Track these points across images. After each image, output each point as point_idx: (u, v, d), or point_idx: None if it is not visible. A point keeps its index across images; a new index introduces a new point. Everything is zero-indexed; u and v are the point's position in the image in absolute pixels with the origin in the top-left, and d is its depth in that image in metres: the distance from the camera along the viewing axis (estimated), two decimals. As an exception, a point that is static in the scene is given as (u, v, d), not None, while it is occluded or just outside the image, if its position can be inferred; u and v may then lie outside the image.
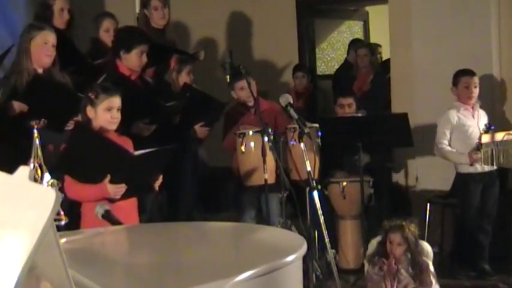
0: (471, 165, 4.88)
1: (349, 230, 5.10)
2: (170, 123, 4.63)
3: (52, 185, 2.55)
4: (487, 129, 4.81)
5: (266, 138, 4.44)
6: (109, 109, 3.38)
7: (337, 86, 6.77)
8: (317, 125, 4.73)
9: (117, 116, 3.41)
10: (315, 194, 3.89)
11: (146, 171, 3.39)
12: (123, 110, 3.45)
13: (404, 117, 4.99)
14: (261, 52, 6.84)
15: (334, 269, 3.91)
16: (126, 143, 3.48)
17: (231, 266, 1.96)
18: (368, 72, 6.51)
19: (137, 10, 5.93)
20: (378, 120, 5.22)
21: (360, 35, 8.07)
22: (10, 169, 1.30)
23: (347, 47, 7.26)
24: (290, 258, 1.88)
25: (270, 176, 4.56)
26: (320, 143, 4.70)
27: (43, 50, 3.99)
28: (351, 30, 8.08)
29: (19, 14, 5.34)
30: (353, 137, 4.89)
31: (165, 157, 3.45)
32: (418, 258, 3.88)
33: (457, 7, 5.65)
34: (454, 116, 5.01)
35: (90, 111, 3.40)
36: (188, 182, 4.93)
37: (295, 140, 4.51)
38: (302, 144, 4.00)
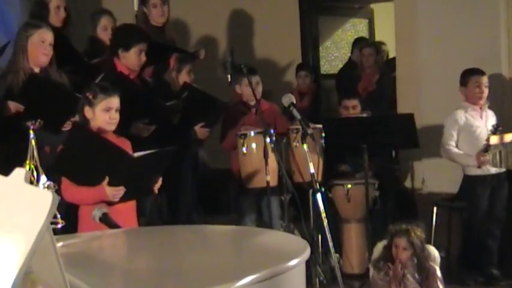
0: (479, 167, 4.87)
1: (353, 234, 5.10)
2: (170, 123, 4.63)
3: (48, 187, 2.55)
4: (495, 130, 4.81)
5: (268, 139, 4.44)
6: (107, 110, 3.39)
7: (341, 86, 6.77)
8: (321, 126, 4.73)
9: (116, 116, 3.42)
10: (319, 196, 3.89)
11: (146, 173, 3.39)
12: (122, 110, 3.46)
13: (410, 117, 4.98)
14: (263, 51, 6.84)
15: (338, 274, 3.91)
16: (125, 145, 3.48)
17: (232, 270, 1.96)
18: (373, 72, 6.50)
19: (136, 7, 5.93)
20: (383, 121, 5.21)
21: (364, 33, 8.07)
22: (5, 171, 1.30)
23: (351, 46, 7.26)
24: (293, 262, 1.88)
25: (272, 178, 4.56)
26: (324, 144, 4.70)
27: (40, 49, 4.00)
28: (356, 28, 8.08)
29: (14, 12, 5.35)
30: (358, 138, 4.89)
31: (166, 159, 3.45)
32: (425, 263, 3.88)
33: (465, 4, 5.65)
34: (461, 116, 5.00)
35: (88, 111, 3.40)
36: (188, 184, 4.93)
37: (298, 141, 4.51)
38: (305, 146, 4.00)
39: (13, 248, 1.18)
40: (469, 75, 5.00)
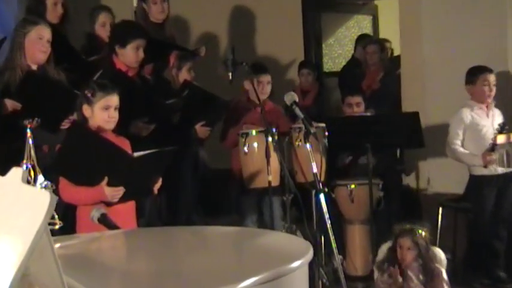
0: (485, 167, 4.87)
1: (357, 235, 5.10)
2: (169, 122, 4.63)
3: (46, 187, 2.55)
4: (502, 129, 4.80)
5: (270, 139, 4.44)
6: (106, 108, 3.39)
7: (344, 84, 6.77)
8: (324, 125, 4.73)
9: (115, 115, 3.42)
10: (322, 197, 3.89)
11: (146, 173, 3.39)
12: (120, 108, 3.45)
13: (415, 116, 4.98)
14: (264, 48, 6.84)
15: (342, 276, 3.90)
16: (124, 144, 3.48)
17: (233, 272, 1.96)
18: (377, 69, 6.50)
19: (135, 4, 5.93)
20: (388, 120, 5.21)
21: (368, 30, 8.07)
22: (2, 170, 1.30)
23: (354, 43, 7.25)
24: (295, 264, 1.88)
25: (274, 178, 4.56)
26: (327, 144, 4.69)
27: (38, 46, 4.00)
28: (360, 25, 8.08)
29: (10, 8, 5.34)
30: (361, 137, 4.89)
31: (166, 159, 3.45)
32: (430, 264, 3.87)
33: (471, 0, 5.65)
34: (467, 115, 5.00)
35: (86, 109, 3.40)
36: (188, 185, 4.93)
37: (300, 141, 4.51)
38: (308, 145, 4.00)
39: (10, 249, 1.18)
40: (477, 73, 4.98)
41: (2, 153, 3.71)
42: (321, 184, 3.95)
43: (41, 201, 1.21)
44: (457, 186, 5.27)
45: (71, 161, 3.35)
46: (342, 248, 4.90)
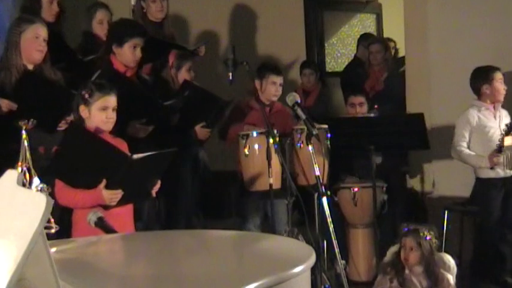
0: (491, 168, 4.87)
1: (360, 240, 5.10)
2: (168, 123, 4.63)
3: (42, 190, 2.55)
4: (509, 130, 4.80)
5: (271, 140, 4.44)
6: (104, 109, 3.39)
7: (347, 84, 6.77)
8: (326, 126, 4.73)
9: (113, 116, 3.42)
10: (324, 200, 3.89)
11: (145, 176, 3.39)
12: (118, 109, 3.46)
13: (420, 117, 4.98)
14: (265, 47, 6.85)
15: (345, 282, 3.90)
16: (121, 146, 3.48)
17: (234, 277, 1.96)
18: (381, 70, 6.50)
19: (133, 2, 5.94)
20: (392, 121, 5.21)
21: (372, 29, 8.07)
22: (-3, 173, 1.30)
23: (356, 42, 7.25)
24: (297, 269, 1.88)
25: (275, 181, 4.55)
26: (329, 146, 4.69)
27: (34, 45, 4.00)
28: (363, 23, 8.08)
29: (5, 6, 5.35)
30: (365, 139, 4.89)
31: (165, 161, 3.45)
32: (434, 269, 3.87)
33: (477, -1, 5.66)
34: (474, 116, 4.99)
35: (83, 110, 3.40)
36: (188, 187, 4.93)
37: (302, 142, 4.51)
38: (310, 147, 4.00)
39: (5, 254, 1.18)
40: (490, 72, 4.98)
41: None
42: (323, 187, 3.95)
43: (36, 205, 1.21)
44: (463, 189, 5.27)
45: (68, 163, 3.35)
46: (345, 253, 4.90)
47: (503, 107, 5.11)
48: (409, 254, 3.86)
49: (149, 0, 5.08)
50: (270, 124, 4.34)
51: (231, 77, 4.35)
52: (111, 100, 3.42)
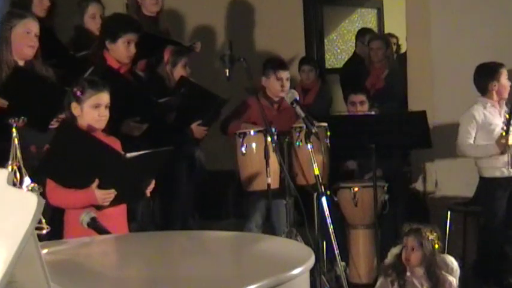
0: (502, 153, 4.81)
1: (361, 241, 5.10)
2: (164, 121, 4.63)
3: (33, 189, 2.55)
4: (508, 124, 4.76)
5: (269, 139, 4.44)
6: (96, 106, 3.38)
7: (346, 82, 6.77)
8: (326, 124, 4.73)
9: (106, 113, 3.42)
10: (324, 200, 3.89)
11: (138, 175, 3.38)
12: (112, 107, 3.45)
13: (422, 115, 4.98)
14: (263, 43, 6.84)
15: (345, 284, 3.91)
16: (114, 144, 3.47)
17: (231, 279, 1.96)
18: (382, 67, 6.50)
19: (127, -5, 5.93)
20: (393, 119, 5.21)
21: (373, 24, 8.07)
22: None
23: (355, 38, 7.24)
24: (296, 271, 1.88)
25: (273, 181, 4.55)
26: (329, 144, 4.69)
27: (25, 40, 3.99)
28: (364, 19, 8.08)
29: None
30: (366, 137, 4.89)
31: (160, 160, 3.45)
32: (435, 271, 3.87)
33: (482, -7, 5.66)
34: (480, 112, 4.97)
35: (75, 108, 3.40)
36: (183, 187, 4.93)
37: (301, 141, 4.51)
38: (309, 145, 4.00)
39: (-5, 255, 1.17)
40: (498, 68, 4.97)
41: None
42: (322, 187, 3.95)
43: (27, 205, 1.21)
44: (466, 189, 5.28)
45: (59, 162, 3.34)
46: (345, 254, 4.90)
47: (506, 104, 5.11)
48: (410, 254, 3.86)
49: (144, -7, 5.08)
50: (267, 122, 4.34)
51: (227, 74, 4.35)
52: (104, 97, 3.41)
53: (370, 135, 4.89)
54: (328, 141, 4.69)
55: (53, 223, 2.73)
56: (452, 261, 3.98)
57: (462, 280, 4.21)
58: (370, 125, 5.02)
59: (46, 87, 3.97)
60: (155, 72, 4.99)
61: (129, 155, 3.29)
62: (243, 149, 4.60)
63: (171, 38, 5.27)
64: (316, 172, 3.95)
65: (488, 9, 5.61)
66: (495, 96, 5.00)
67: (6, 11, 4.43)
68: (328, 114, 6.27)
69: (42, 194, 2.91)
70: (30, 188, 2.57)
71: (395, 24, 7.75)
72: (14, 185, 2.53)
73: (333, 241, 3.87)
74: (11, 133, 2.70)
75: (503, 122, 4.79)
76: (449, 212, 5.21)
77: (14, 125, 2.78)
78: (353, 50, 7.40)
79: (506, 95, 5.00)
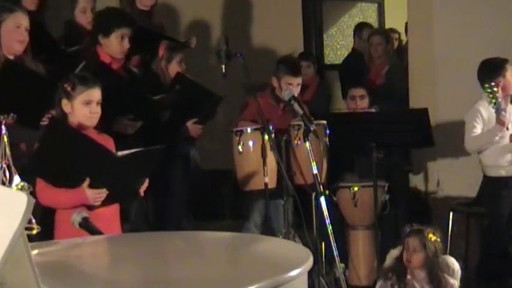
0: (507, 129, 4.79)
1: (360, 242, 5.10)
2: (158, 119, 4.63)
3: (22, 188, 2.55)
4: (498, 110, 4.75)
5: (266, 137, 4.44)
6: (87, 103, 3.38)
7: (346, 77, 6.77)
8: (325, 122, 4.73)
9: (97, 110, 3.41)
10: (322, 200, 3.89)
11: (131, 174, 3.38)
12: (104, 104, 3.45)
13: (424, 113, 4.98)
14: (261, 38, 6.84)
15: (344, 286, 3.91)
16: (107, 143, 3.47)
17: (227, 282, 1.96)
18: (382, 63, 6.50)
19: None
20: (394, 117, 5.21)
21: (373, 19, 8.07)
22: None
23: (352, 33, 7.23)
24: (294, 273, 1.88)
25: (270, 180, 4.56)
26: (328, 143, 4.70)
27: (15, 35, 3.97)
28: (364, 13, 8.08)
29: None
30: (366, 135, 4.89)
31: (154, 159, 3.45)
32: (438, 273, 3.87)
33: (485, -11, 5.67)
34: (485, 108, 4.96)
35: (66, 105, 3.39)
36: (178, 187, 4.93)
37: (299, 139, 4.51)
38: (307, 144, 4.00)
39: (-17, 257, 1.17)
40: (504, 64, 4.96)
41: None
42: (321, 186, 3.95)
43: (17, 204, 1.21)
44: (469, 188, 5.28)
45: (49, 161, 3.34)
46: (345, 256, 4.90)
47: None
48: (412, 255, 3.86)
49: (138, -14, 5.07)
50: (265, 120, 4.35)
51: (224, 70, 4.35)
52: (95, 93, 3.41)
53: (371, 133, 4.89)
54: (327, 139, 4.70)
55: (43, 223, 2.73)
56: (454, 263, 3.99)
57: (464, 282, 4.22)
58: (371, 123, 5.03)
59: (37, 82, 3.95)
60: (149, 68, 4.99)
61: (120, 153, 3.29)
62: (240, 148, 4.60)
63: (165, 33, 5.26)
64: (315, 171, 3.94)
65: (492, 4, 5.62)
66: (501, 93, 4.99)
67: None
68: (327, 111, 6.27)
69: (32, 193, 2.91)
70: (19, 187, 2.57)
71: (396, 19, 7.75)
72: (3, 183, 2.53)
73: (332, 242, 3.87)
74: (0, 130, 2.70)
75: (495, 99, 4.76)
76: (451, 213, 5.21)
77: (3, 121, 2.77)
78: (352, 46, 7.40)
79: (510, 92, 5.00)
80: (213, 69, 5.12)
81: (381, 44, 6.51)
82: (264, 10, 6.86)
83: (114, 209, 3.45)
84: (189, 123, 4.84)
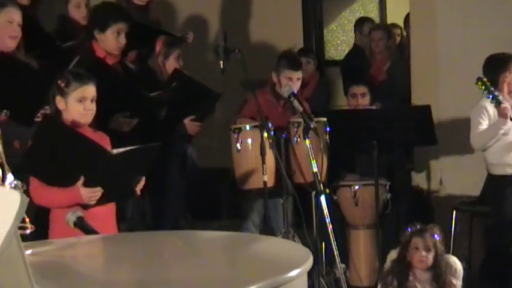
0: (509, 119, 4.79)
1: (361, 242, 5.10)
2: (155, 116, 4.63)
3: (16, 187, 2.54)
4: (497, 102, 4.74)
5: (265, 134, 4.44)
6: (82, 100, 3.38)
7: (348, 74, 6.77)
8: (325, 119, 4.73)
9: (91, 107, 3.41)
10: (323, 199, 3.89)
11: (127, 172, 3.38)
12: (100, 100, 3.44)
13: (426, 110, 4.98)
14: (259, 34, 6.84)
15: (344, 287, 3.91)
16: (103, 140, 3.47)
17: (226, 282, 1.96)
18: (384, 58, 6.50)
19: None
20: (396, 114, 5.21)
21: (375, 14, 8.07)
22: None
23: (353, 28, 7.22)
24: (293, 273, 1.88)
25: (269, 179, 4.56)
26: (328, 140, 4.70)
27: (7, 31, 3.97)
28: (365, 8, 8.08)
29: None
30: (367, 133, 4.89)
31: (150, 156, 3.45)
32: (442, 275, 3.88)
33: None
34: (491, 105, 4.95)
35: (59, 101, 3.39)
36: (175, 186, 4.93)
37: (299, 137, 4.51)
38: (307, 142, 4.00)
39: (-25, 256, 1.17)
40: (510, 59, 4.96)
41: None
42: (321, 185, 3.95)
43: (10, 203, 1.21)
44: (473, 187, 5.28)
45: (43, 159, 3.34)
46: (345, 256, 4.91)
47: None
48: (422, 255, 3.85)
49: (133, -20, 5.07)
50: (264, 117, 4.35)
51: (222, 66, 4.35)
52: (90, 90, 3.40)
53: (372, 131, 4.89)
54: (327, 137, 4.70)
55: (37, 222, 2.71)
56: (456, 262, 3.99)
57: (468, 283, 4.22)
58: (372, 120, 5.03)
59: (31, 77, 3.95)
60: (146, 64, 4.99)
61: (115, 151, 3.29)
62: (238, 145, 4.61)
63: (162, 29, 5.26)
64: (315, 169, 3.94)
65: (495, 0, 5.62)
66: (506, 89, 4.99)
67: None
68: (328, 108, 6.27)
69: (26, 192, 2.91)
70: (13, 186, 2.57)
71: (398, 13, 7.74)
72: (-4, 182, 2.52)
73: (332, 242, 3.87)
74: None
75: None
76: (454, 212, 5.21)
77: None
78: (353, 41, 7.39)
79: None
80: (211, 66, 5.12)
81: (383, 40, 6.50)
82: (263, 5, 6.85)
83: (110, 208, 3.45)
84: (187, 121, 4.84)
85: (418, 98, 5.90)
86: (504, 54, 5.03)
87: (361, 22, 7.08)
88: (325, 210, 3.87)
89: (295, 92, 4.35)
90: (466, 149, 5.17)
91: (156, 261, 2.29)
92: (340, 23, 7.91)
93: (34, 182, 3.29)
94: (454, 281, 3.89)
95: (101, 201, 3.32)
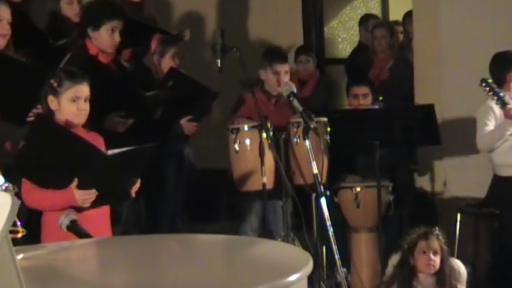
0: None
1: (363, 245, 5.11)
2: (151, 116, 4.63)
3: (7, 189, 2.54)
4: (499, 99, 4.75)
5: (264, 135, 4.44)
6: (75, 99, 3.37)
7: (351, 73, 6.77)
8: (325, 119, 4.73)
9: (85, 107, 3.41)
10: (323, 201, 3.89)
11: (122, 174, 3.38)
12: (94, 100, 3.44)
13: (430, 109, 4.99)
14: (258, 31, 6.84)
15: (346, 291, 3.91)
16: (97, 141, 3.47)
17: (223, 287, 1.96)
18: (386, 57, 6.50)
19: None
20: (399, 114, 5.21)
21: (377, 10, 8.07)
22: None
23: (358, 25, 7.22)
24: (293, 277, 1.88)
25: (268, 180, 4.56)
26: (329, 141, 4.70)
27: (-4, 28, 3.96)
28: (366, 5, 8.08)
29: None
30: (369, 133, 4.89)
31: (145, 157, 3.45)
32: (447, 277, 3.88)
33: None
34: (498, 105, 4.95)
35: (52, 101, 3.38)
36: (171, 187, 4.93)
37: (299, 137, 4.51)
38: (307, 142, 4.00)
39: (-36, 261, 1.17)
40: None
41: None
42: (322, 186, 3.95)
43: (1, 206, 1.21)
44: (478, 189, 5.28)
45: (35, 161, 3.33)
46: (347, 260, 4.91)
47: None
48: (431, 258, 3.85)
49: (128, -24, 5.07)
50: (263, 117, 4.34)
51: (219, 64, 4.35)
52: (83, 89, 3.40)
53: (374, 131, 4.89)
54: (328, 137, 4.70)
55: (29, 226, 2.72)
56: (459, 265, 4.00)
57: (472, 287, 4.22)
58: (374, 120, 5.03)
59: (22, 75, 3.94)
60: (141, 63, 4.99)
61: (110, 152, 3.29)
62: (236, 146, 4.61)
63: (158, 26, 5.26)
64: (315, 171, 3.94)
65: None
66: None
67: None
68: (328, 108, 6.27)
69: (18, 195, 2.91)
70: (4, 188, 2.56)
71: (400, 10, 7.74)
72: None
73: (333, 245, 3.87)
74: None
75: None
76: (459, 214, 5.21)
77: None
78: (355, 39, 7.40)
79: None
80: (208, 64, 5.13)
81: (385, 37, 6.51)
82: (262, 1, 6.86)
83: (104, 210, 3.45)
84: (184, 121, 4.84)
85: (421, 97, 5.90)
86: (511, 52, 5.03)
87: (365, 19, 7.09)
88: (326, 213, 3.87)
89: (295, 91, 4.35)
90: (470, 149, 5.17)
91: (151, 265, 2.29)
92: (341, 20, 7.92)
93: (26, 184, 3.29)
94: (458, 286, 3.89)
95: (95, 204, 3.32)
